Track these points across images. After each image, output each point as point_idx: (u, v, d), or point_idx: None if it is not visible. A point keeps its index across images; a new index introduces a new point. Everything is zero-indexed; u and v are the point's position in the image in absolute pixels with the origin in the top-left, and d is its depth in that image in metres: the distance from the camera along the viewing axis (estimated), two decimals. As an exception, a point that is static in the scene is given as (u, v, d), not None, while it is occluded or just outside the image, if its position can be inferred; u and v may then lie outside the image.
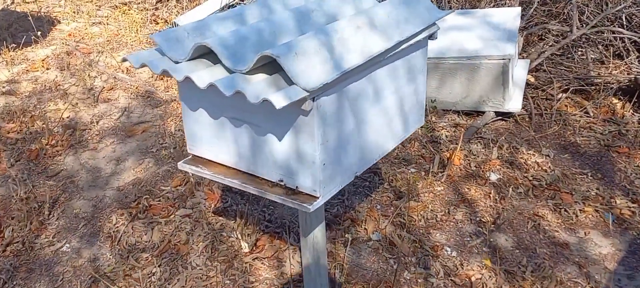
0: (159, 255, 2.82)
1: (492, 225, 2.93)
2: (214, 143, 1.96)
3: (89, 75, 4.79)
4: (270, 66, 1.70)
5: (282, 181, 1.84)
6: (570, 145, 3.65)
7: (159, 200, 3.21)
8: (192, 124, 1.98)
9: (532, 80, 4.36)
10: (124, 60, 1.83)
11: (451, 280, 2.59)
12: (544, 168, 3.41)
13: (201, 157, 2.04)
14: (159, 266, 2.73)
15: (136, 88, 4.59)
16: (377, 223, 2.96)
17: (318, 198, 1.79)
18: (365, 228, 2.92)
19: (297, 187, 1.81)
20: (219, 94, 1.58)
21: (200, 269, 2.71)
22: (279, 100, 1.48)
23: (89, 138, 3.94)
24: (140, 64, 1.77)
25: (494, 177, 3.33)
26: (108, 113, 4.26)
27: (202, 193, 3.23)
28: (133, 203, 3.21)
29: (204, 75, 1.65)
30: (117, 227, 3.04)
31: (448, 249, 2.79)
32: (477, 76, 3.76)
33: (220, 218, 3.04)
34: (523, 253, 2.73)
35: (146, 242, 2.91)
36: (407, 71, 2.07)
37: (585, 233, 2.86)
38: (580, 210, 3.02)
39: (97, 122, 4.13)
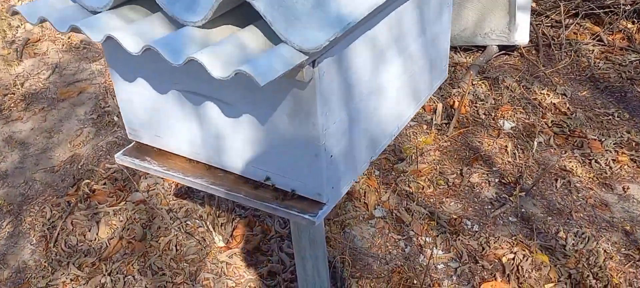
0: (108, 258, 2.22)
1: (515, 187, 2.43)
2: (163, 127, 1.35)
3: (8, 24, 3.96)
4: (240, 14, 1.08)
5: (269, 180, 1.26)
6: (587, 80, 3.15)
7: (104, 184, 2.58)
8: (130, 101, 1.35)
9: (534, 5, 3.80)
10: (15, 13, 1.16)
11: (479, 264, 2.10)
12: (563, 110, 2.91)
13: (148, 146, 1.42)
14: (108, 274, 2.14)
15: (68, 37, 3.81)
16: (378, 194, 2.42)
17: (324, 204, 1.22)
18: (365, 203, 2.38)
19: (293, 190, 1.24)
20: (162, 58, 0.96)
21: (164, 275, 2.13)
22: (264, 72, 0.88)
23: (12, 105, 3.20)
24: (38, 19, 1.12)
25: (508, 126, 2.82)
26: (35, 72, 3.50)
27: (158, 170, 2.61)
28: (71, 189, 2.56)
29: (136, 31, 1.02)
30: (52, 222, 2.40)
31: (468, 222, 2.29)
32: (478, 3, 3.17)
33: (184, 202, 2.44)
34: (557, 221, 2.26)
35: (90, 241, 2.30)
36: (433, 6, 1.47)
37: (624, 188, 2.40)
38: (613, 160, 2.55)
39: (22, 85, 3.37)
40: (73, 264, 2.19)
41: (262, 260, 2.16)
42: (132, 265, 2.18)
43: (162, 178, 2.56)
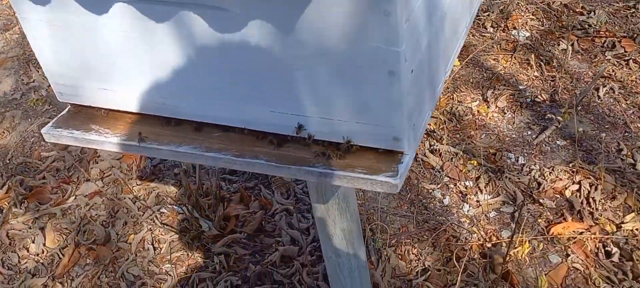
0: (64, 274, 1.67)
1: (552, 105, 2.03)
2: (111, 71, 0.83)
3: None
4: None
5: (303, 129, 0.78)
6: (594, -25, 2.75)
7: (44, 178, 1.99)
8: (51, 42, 0.82)
9: None
10: None
11: (538, 203, 1.69)
12: (577, 10, 2.51)
13: (92, 108, 0.90)
14: (69, 297, 1.61)
15: (-31, 8, 3.08)
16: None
17: (404, 154, 0.76)
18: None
19: (348, 139, 0.75)
20: None
21: (144, 285, 1.61)
22: None
23: None
24: None
25: (522, 36, 2.39)
26: None
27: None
28: (0, 192, 1.97)
29: None
30: (-18, 239, 1.82)
31: (511, 156, 1.87)
32: None
33: (153, 185, 1.90)
34: (614, 136, 1.88)
35: (37, 255, 1.74)
36: None
37: (674, 88, 2.05)
38: (652, 57, 2.18)
39: None
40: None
41: (270, 244, 1.67)
42: (98, 277, 1.65)
43: (122, 155, 2.01)
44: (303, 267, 1.58)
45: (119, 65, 0.81)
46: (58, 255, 1.72)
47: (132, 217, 1.80)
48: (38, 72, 2.54)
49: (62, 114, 0.90)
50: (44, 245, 1.76)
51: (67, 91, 0.87)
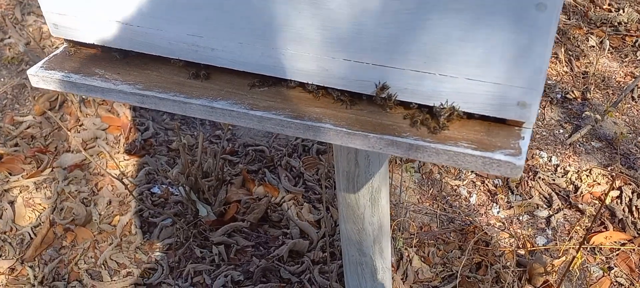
0: (34, 258, 1.45)
1: (584, 102, 1.87)
2: (132, 3, 0.62)
3: None
4: None
5: (385, 89, 0.58)
6: (620, -28, 2.61)
7: (16, 145, 1.75)
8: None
9: None
10: None
11: (575, 209, 1.53)
12: (604, 6, 2.36)
13: (95, 47, 0.69)
14: (40, 283, 1.38)
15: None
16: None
17: (526, 129, 0.57)
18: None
19: (453, 106, 0.56)
20: None
21: (129, 274, 1.39)
22: None
23: None
24: None
25: (550, 28, 2.23)
26: None
27: (95, 116, 1.81)
28: (-35, 158, 1.72)
29: None
30: (-60, 210, 1.58)
31: (543, 155, 1.70)
32: None
33: (143, 161, 1.68)
34: (652, 142, 1.73)
35: (3, 233, 1.51)
36: None
37: None
38: (687, 60, 2.04)
39: None
40: (-21, 273, 1.40)
41: (276, 236, 1.47)
42: (76, 263, 1.42)
43: (108, 125, 1.78)
44: (314, 264, 1.39)
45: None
46: (29, 235, 1.49)
47: (118, 196, 1.58)
48: (14, 27, 2.28)
49: (55, 53, 0.69)
50: (13, 221, 1.53)
51: (65, 23, 0.66)
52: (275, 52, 0.61)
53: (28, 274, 1.39)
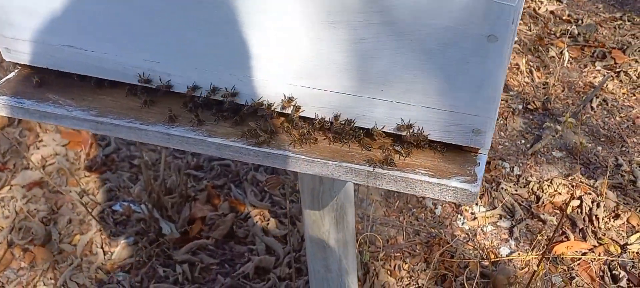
0: (-8, 280, 1.40)
1: (546, 113, 1.91)
2: (87, 26, 0.60)
3: None
4: None
5: (339, 118, 0.59)
6: (578, -16, 2.69)
7: (-29, 163, 1.69)
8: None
9: None
10: None
11: (537, 218, 1.55)
12: (564, 17, 2.42)
13: (48, 71, 0.67)
14: (-4, 308, 1.33)
15: None
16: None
17: (481, 155, 0.58)
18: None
19: (421, 130, 0.56)
20: None
21: (90, 296, 1.36)
22: None
23: None
24: None
25: (512, 40, 2.28)
26: None
27: (54, 132, 1.76)
28: None
29: None
30: None
31: (505, 165, 1.73)
32: None
33: (104, 178, 1.64)
34: (610, 150, 1.77)
35: (-42, 256, 1.45)
36: None
37: (666, 103, 1.97)
38: (642, 71, 2.11)
39: None
40: None
41: (242, 252, 1.46)
42: (35, 286, 1.38)
43: (68, 141, 1.73)
44: (281, 281, 1.38)
45: (95, 18, 0.59)
46: (-15, 256, 1.44)
47: (78, 214, 1.54)
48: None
49: (7, 77, 0.67)
50: (-32, 243, 1.48)
51: (17, 47, 0.64)
52: (232, 78, 0.60)
53: (-17, 298, 1.34)
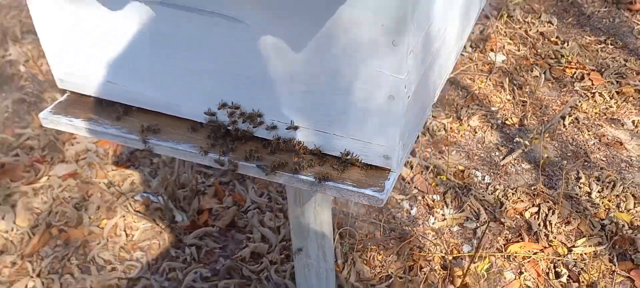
0: (33, 254, 1.68)
1: (521, 128, 2.13)
2: (119, 67, 0.86)
3: None
4: None
5: (300, 143, 0.84)
6: (570, 6, 2.88)
7: (16, 155, 1.99)
8: (59, 29, 0.85)
9: None
10: None
11: (499, 222, 1.78)
12: (552, 39, 2.62)
13: (90, 97, 0.94)
14: (37, 276, 1.62)
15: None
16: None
17: (391, 172, 0.83)
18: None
19: (347, 152, 0.81)
20: None
21: (114, 270, 1.64)
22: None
23: None
24: None
25: (499, 60, 2.49)
26: None
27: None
28: (-28, 165, 1.96)
29: None
30: (-50, 211, 1.81)
31: (477, 174, 1.95)
32: None
33: (128, 172, 1.92)
34: (574, 165, 1.98)
35: (6, 233, 1.75)
36: None
37: (634, 123, 2.16)
38: (617, 92, 2.30)
39: None
40: (-15, 266, 1.64)
41: (241, 240, 1.72)
42: (68, 260, 1.66)
43: (95, 138, 2.02)
44: (272, 265, 1.63)
45: (128, 61, 0.84)
46: (28, 235, 1.73)
47: (105, 202, 1.82)
48: (15, 45, 2.52)
49: (60, 100, 0.93)
50: (15, 223, 1.77)
51: (69, 79, 0.90)
52: (201, 102, 0.85)
53: (27, 268, 1.63)
